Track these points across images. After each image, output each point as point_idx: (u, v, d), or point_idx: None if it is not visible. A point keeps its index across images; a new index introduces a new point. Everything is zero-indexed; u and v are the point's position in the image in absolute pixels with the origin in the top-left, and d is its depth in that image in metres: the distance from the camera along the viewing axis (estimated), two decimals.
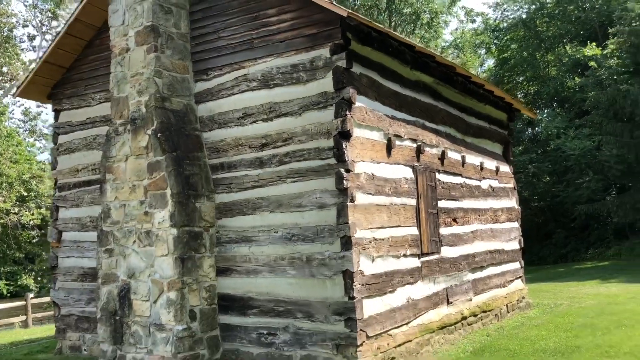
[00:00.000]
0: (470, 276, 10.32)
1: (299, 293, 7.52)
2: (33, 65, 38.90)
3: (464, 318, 9.81)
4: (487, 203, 11.46)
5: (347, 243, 7.14)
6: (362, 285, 7.23)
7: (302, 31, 7.69)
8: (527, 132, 34.12)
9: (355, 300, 7.07)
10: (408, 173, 8.64)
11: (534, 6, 34.67)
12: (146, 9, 8.34)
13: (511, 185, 12.96)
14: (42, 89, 10.64)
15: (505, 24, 37.74)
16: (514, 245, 12.68)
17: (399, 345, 7.86)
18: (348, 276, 7.11)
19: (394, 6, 34.09)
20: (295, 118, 7.71)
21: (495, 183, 12.00)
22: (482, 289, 10.72)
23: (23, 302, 17.96)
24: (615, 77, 25.69)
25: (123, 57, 8.58)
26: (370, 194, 7.66)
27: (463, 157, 10.55)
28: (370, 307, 7.32)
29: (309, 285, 7.44)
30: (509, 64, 35.51)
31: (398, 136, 8.43)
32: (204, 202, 8.23)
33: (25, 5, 35.01)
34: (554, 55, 34.00)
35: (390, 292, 7.83)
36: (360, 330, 7.08)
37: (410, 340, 8.14)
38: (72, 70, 10.43)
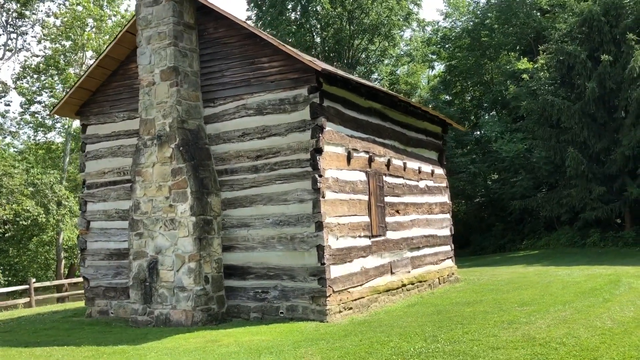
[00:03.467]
0: (409, 254, 13.58)
1: (285, 262, 10.59)
2: None
3: (404, 285, 13.05)
4: (423, 199, 14.76)
5: (319, 226, 10.24)
6: (330, 255, 10.34)
7: (287, 75, 10.75)
8: (473, 135, 37.63)
9: (325, 266, 10.18)
10: (362, 177, 11.80)
11: (476, 19, 38.44)
12: (169, 54, 11.22)
13: (444, 184, 16.32)
14: (72, 108, 13.33)
15: (453, 33, 41.51)
16: (446, 232, 16.04)
17: (355, 299, 11.02)
18: (320, 249, 10.21)
19: (354, 18, 37.17)
20: (282, 137, 10.75)
21: (430, 183, 15.32)
22: (418, 264, 14.00)
23: (26, 286, 20.35)
24: (545, 88, 29.37)
25: (150, 88, 11.42)
26: (335, 192, 10.78)
27: (404, 164, 13.79)
28: (335, 271, 10.45)
29: (292, 256, 10.51)
30: (457, 69, 39.13)
31: (355, 150, 11.58)
32: (213, 198, 11.18)
33: None
34: (494, 64, 37.77)
35: (349, 261, 10.97)
36: (329, 286, 10.19)
37: (363, 297, 11.31)
38: (98, 93, 13.15)
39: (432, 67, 46.99)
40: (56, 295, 21.77)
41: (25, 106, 43.19)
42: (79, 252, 13.19)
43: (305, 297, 10.34)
